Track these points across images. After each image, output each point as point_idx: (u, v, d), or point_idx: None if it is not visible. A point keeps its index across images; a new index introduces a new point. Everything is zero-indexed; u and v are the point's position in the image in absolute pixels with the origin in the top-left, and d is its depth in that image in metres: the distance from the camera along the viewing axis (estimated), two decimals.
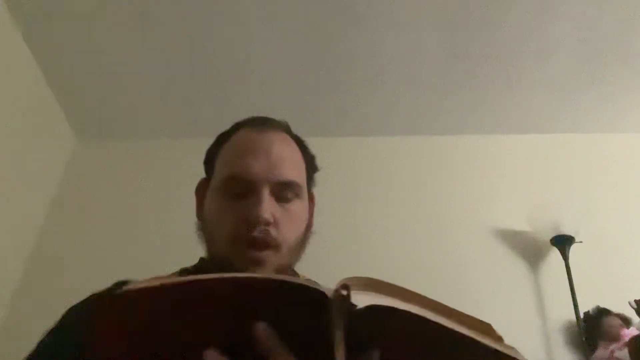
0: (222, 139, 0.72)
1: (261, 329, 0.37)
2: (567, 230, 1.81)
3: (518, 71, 2.00)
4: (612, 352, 1.56)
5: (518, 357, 0.38)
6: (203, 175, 0.76)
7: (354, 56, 1.94)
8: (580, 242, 1.81)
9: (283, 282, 0.37)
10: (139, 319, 0.36)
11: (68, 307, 0.64)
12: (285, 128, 0.72)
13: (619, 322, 1.66)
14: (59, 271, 1.88)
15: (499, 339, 0.40)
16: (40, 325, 0.62)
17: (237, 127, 0.72)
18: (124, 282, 0.67)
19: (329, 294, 0.37)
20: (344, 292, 0.36)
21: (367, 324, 0.37)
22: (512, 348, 0.38)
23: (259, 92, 2.06)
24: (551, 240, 1.83)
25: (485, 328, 0.39)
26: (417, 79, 2.03)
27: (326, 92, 2.09)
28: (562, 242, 1.81)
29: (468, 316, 0.40)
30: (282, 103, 2.08)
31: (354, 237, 1.95)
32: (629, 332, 1.59)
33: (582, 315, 1.71)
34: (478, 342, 0.37)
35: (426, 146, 2.25)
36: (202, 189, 0.72)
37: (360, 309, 0.36)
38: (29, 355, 0.57)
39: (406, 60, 1.96)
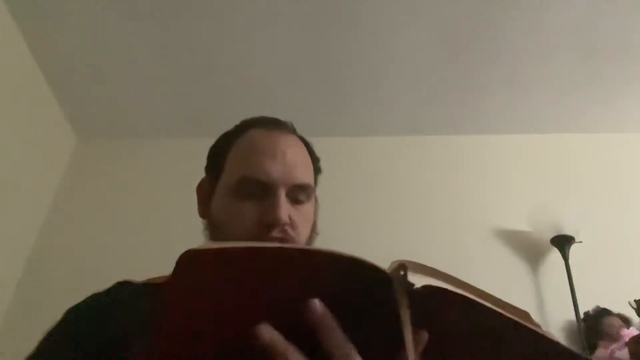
0: (231, 138, 0.72)
1: (315, 305, 0.37)
2: (567, 230, 1.81)
3: (518, 71, 2.00)
4: (612, 352, 1.56)
5: (560, 342, 0.39)
6: (203, 174, 0.75)
7: (353, 56, 1.94)
8: (580, 242, 1.81)
9: (340, 257, 0.36)
10: (211, 280, 0.36)
11: (68, 306, 0.64)
12: (293, 130, 0.73)
13: (619, 322, 1.66)
14: (59, 271, 1.88)
15: (538, 326, 0.41)
16: (40, 325, 0.62)
17: (245, 126, 0.72)
18: (125, 282, 0.67)
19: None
20: (402, 272, 0.37)
21: (425, 304, 0.37)
22: (551, 334, 0.40)
23: (258, 92, 2.06)
24: (551, 240, 1.83)
25: (524, 316, 0.41)
26: (417, 78, 2.03)
27: (325, 92, 2.09)
28: (562, 242, 1.81)
29: (507, 303, 0.41)
30: (281, 103, 2.08)
31: (353, 237, 1.95)
32: (629, 332, 1.59)
33: (582, 315, 1.71)
34: (524, 328, 0.38)
35: (426, 146, 2.25)
36: (205, 188, 0.72)
37: (419, 288, 0.37)
38: (31, 354, 0.57)
39: (406, 60, 1.96)
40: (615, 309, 1.70)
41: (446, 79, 2.03)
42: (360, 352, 0.37)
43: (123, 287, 0.66)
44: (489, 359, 0.42)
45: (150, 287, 0.64)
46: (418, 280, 0.37)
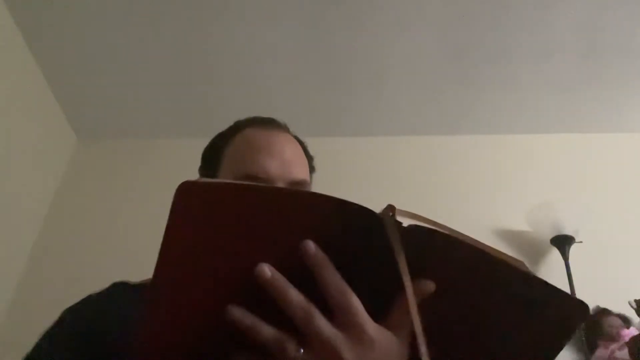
0: (226, 138, 0.72)
1: (309, 246, 0.38)
2: (567, 230, 1.81)
3: (518, 71, 2.00)
4: (612, 352, 1.56)
5: (553, 285, 0.42)
6: None
7: (353, 56, 1.94)
8: (580, 242, 1.81)
9: (331, 199, 0.37)
10: (208, 215, 0.36)
11: (67, 306, 0.64)
12: (287, 129, 0.74)
13: (619, 322, 1.66)
14: (58, 271, 1.88)
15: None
16: (40, 325, 0.62)
17: (241, 126, 0.73)
18: (121, 283, 0.67)
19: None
20: (390, 213, 0.38)
21: (417, 243, 0.39)
22: (544, 279, 0.42)
23: (258, 92, 2.06)
24: (551, 240, 1.83)
25: (519, 264, 0.43)
26: (417, 78, 2.03)
27: (325, 92, 2.09)
28: (562, 242, 1.80)
29: (500, 251, 0.43)
30: (282, 103, 2.08)
31: None
32: (629, 332, 1.59)
33: None
34: (517, 270, 0.41)
35: (425, 146, 2.25)
36: None
37: (409, 227, 0.38)
38: (27, 355, 0.57)
39: (405, 60, 1.96)
40: (615, 309, 1.69)
41: (446, 79, 2.03)
42: (356, 293, 0.38)
43: (119, 288, 0.66)
44: (480, 299, 0.42)
45: (147, 288, 0.64)
46: (407, 223, 0.39)
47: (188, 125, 2.19)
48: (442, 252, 0.40)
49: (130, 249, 1.91)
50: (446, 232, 0.40)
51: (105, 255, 1.90)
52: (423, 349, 0.36)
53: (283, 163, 0.65)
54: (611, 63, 1.96)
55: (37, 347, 0.58)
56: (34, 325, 0.62)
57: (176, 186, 0.37)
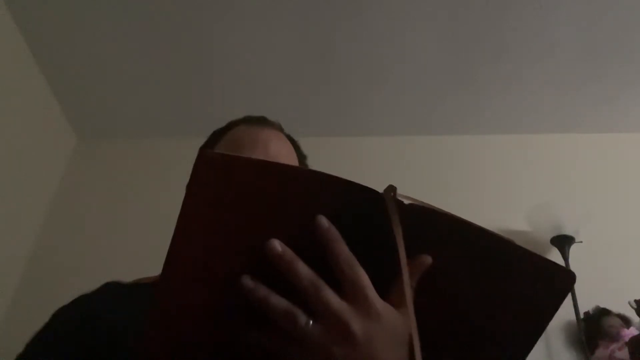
0: (217, 136, 0.74)
1: (322, 220, 0.39)
2: (567, 230, 1.81)
3: (518, 71, 2.00)
4: (612, 352, 1.56)
5: (549, 259, 0.44)
6: None
7: (352, 55, 1.94)
8: (580, 242, 1.81)
9: (338, 179, 0.39)
10: (231, 188, 0.37)
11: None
12: (279, 127, 0.75)
13: (619, 322, 1.65)
14: (58, 271, 1.88)
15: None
16: (39, 325, 0.62)
17: (232, 124, 0.74)
18: (113, 283, 0.68)
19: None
20: (392, 193, 0.40)
21: (416, 221, 0.40)
22: (538, 254, 0.44)
23: (258, 92, 2.06)
24: (551, 240, 1.83)
25: (510, 240, 0.44)
26: (417, 78, 2.03)
27: (325, 92, 2.09)
28: (562, 242, 1.80)
29: (494, 232, 0.44)
30: (281, 103, 2.08)
31: None
32: (629, 332, 1.59)
33: (582, 315, 1.71)
34: (514, 246, 0.43)
35: (425, 146, 2.25)
36: None
37: (408, 205, 0.40)
38: (19, 355, 0.57)
39: (405, 60, 1.96)
40: (615, 309, 1.69)
41: (446, 79, 2.03)
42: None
43: (111, 288, 0.66)
44: (476, 273, 0.44)
45: (139, 288, 0.65)
46: (407, 202, 0.41)
47: (188, 125, 2.19)
48: (440, 229, 0.42)
49: (131, 249, 1.91)
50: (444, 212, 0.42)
51: (105, 255, 1.90)
52: (412, 316, 0.38)
53: (267, 158, 0.66)
54: (611, 63, 1.96)
55: (29, 348, 0.58)
56: (34, 325, 0.62)
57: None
